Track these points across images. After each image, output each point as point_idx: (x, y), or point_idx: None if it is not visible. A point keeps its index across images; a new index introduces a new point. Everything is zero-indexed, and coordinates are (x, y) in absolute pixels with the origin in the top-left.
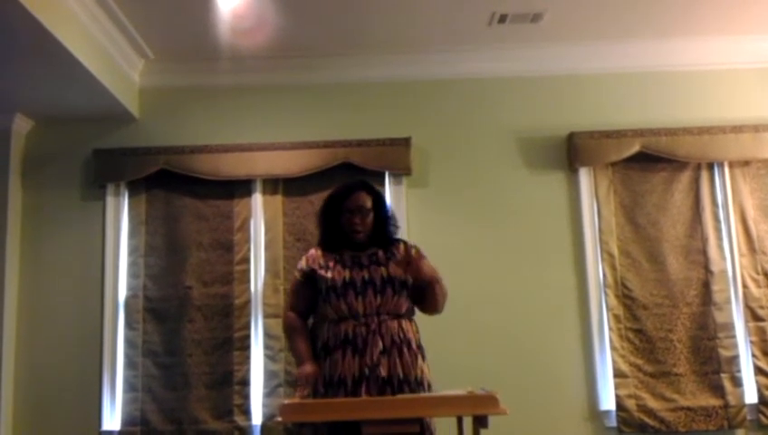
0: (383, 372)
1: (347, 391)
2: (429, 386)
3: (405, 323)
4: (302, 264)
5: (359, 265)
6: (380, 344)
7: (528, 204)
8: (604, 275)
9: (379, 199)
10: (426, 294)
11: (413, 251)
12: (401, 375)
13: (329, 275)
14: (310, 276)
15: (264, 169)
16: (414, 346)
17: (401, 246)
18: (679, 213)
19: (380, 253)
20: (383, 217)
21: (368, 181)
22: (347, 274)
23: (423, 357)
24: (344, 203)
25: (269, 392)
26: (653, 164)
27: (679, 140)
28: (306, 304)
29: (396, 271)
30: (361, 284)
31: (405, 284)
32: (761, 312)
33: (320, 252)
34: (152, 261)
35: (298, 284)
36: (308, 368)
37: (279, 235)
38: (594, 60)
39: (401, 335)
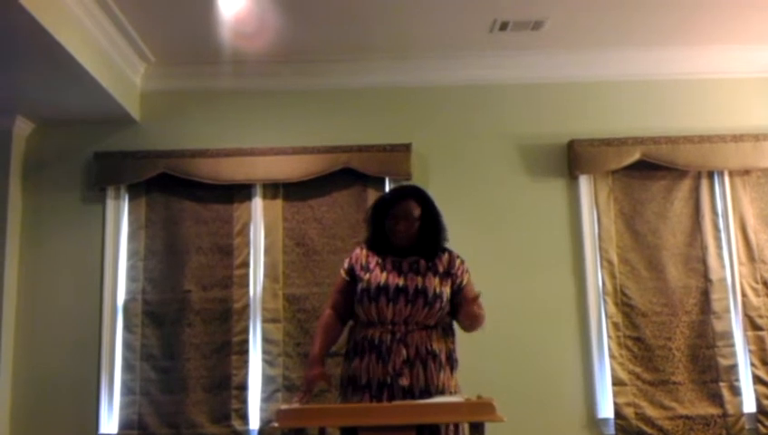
0: (404, 381)
1: (372, 395)
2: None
3: (434, 335)
4: (346, 262)
5: (397, 271)
6: (404, 354)
7: (528, 211)
8: (603, 282)
9: (428, 209)
10: (459, 312)
11: (457, 262)
12: (423, 386)
13: (366, 276)
14: (352, 275)
15: (265, 173)
16: (442, 358)
17: (445, 257)
18: (679, 221)
19: (422, 262)
20: (430, 227)
21: (421, 189)
22: (383, 278)
23: (452, 369)
24: (391, 208)
25: (267, 397)
26: (653, 172)
27: (679, 148)
28: (348, 303)
29: (431, 283)
30: (395, 291)
31: (438, 296)
32: (760, 321)
33: (364, 251)
34: (151, 265)
35: (342, 282)
36: (311, 372)
37: (279, 239)
38: (595, 68)
39: (427, 347)
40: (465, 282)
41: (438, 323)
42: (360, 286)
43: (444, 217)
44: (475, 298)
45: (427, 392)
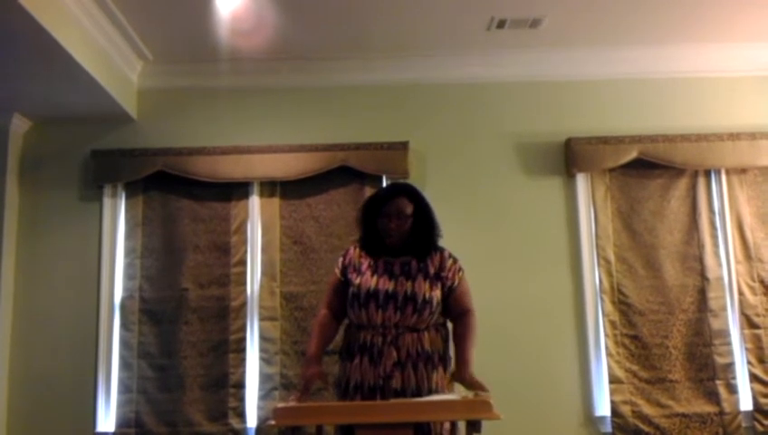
0: (395, 383)
1: (363, 396)
2: None
3: (424, 336)
4: (340, 261)
5: (388, 274)
6: (395, 356)
7: (525, 209)
8: (600, 280)
9: (420, 206)
10: (453, 319)
11: (449, 263)
12: (414, 388)
13: (357, 281)
14: (346, 275)
15: (262, 171)
16: (435, 358)
17: (437, 258)
18: (676, 220)
19: (414, 263)
20: (422, 225)
21: (413, 187)
22: (373, 283)
23: (445, 369)
24: (383, 207)
25: (264, 395)
26: (650, 170)
27: (677, 146)
28: (341, 302)
29: (421, 288)
30: (384, 297)
31: (427, 302)
32: (756, 319)
33: (357, 251)
34: (149, 263)
35: (337, 281)
36: (308, 371)
37: (276, 237)
38: (592, 66)
39: (418, 348)
40: (456, 283)
41: (430, 325)
42: (350, 290)
43: (437, 214)
44: (472, 381)
45: (418, 394)
